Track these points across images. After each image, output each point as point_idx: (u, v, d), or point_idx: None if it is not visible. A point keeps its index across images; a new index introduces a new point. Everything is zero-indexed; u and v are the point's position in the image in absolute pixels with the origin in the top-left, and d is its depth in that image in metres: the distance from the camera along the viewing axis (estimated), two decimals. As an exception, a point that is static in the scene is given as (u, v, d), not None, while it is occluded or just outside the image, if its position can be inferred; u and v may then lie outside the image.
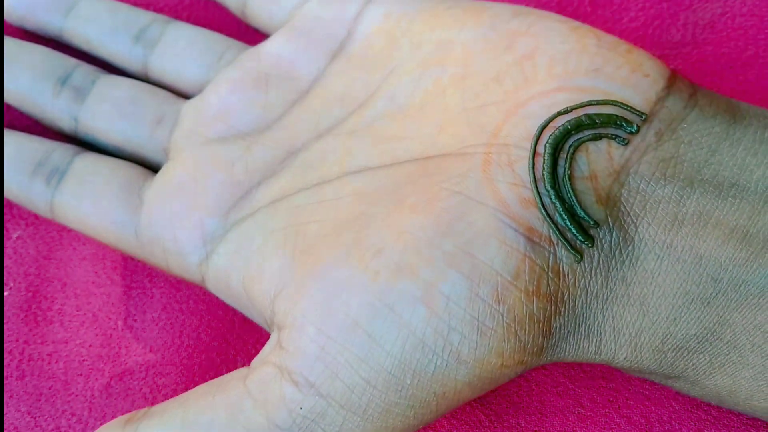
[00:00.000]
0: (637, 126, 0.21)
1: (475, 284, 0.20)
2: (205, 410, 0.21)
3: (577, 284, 0.21)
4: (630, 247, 0.21)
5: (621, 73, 0.22)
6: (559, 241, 0.21)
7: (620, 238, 0.21)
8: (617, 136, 0.21)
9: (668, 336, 0.21)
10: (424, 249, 0.21)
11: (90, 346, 0.27)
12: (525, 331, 0.20)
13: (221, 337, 0.27)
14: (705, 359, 0.21)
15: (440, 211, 0.21)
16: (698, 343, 0.21)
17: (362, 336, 0.20)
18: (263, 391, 0.21)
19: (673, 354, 0.21)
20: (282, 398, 0.21)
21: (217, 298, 0.28)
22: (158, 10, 0.32)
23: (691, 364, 0.21)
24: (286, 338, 0.21)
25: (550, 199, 0.21)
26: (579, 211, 0.21)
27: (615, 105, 0.22)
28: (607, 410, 0.26)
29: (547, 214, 0.21)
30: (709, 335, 0.21)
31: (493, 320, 0.20)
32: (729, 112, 0.22)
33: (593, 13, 0.31)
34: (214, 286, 0.25)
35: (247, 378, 0.22)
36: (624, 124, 0.21)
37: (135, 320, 0.28)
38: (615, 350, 0.22)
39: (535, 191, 0.21)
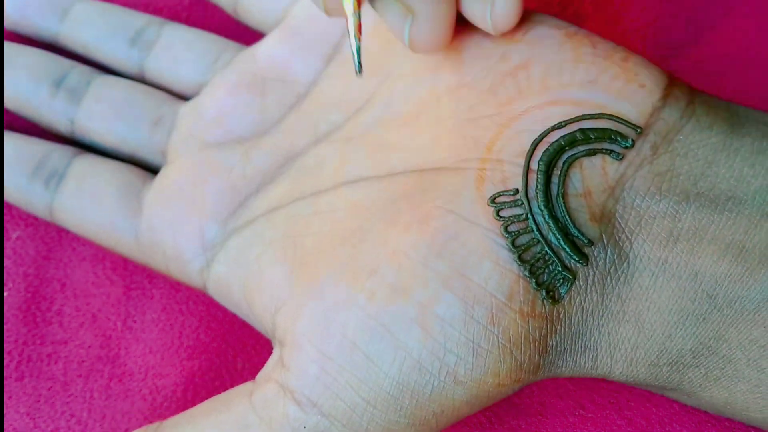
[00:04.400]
0: (632, 140, 0.21)
1: (470, 306, 0.20)
2: (213, 427, 0.22)
3: (572, 302, 0.21)
4: (625, 264, 0.21)
5: (616, 85, 0.22)
6: (553, 261, 0.20)
7: (615, 255, 0.21)
8: (612, 151, 0.21)
9: (663, 351, 0.21)
10: (419, 270, 0.21)
11: (89, 347, 0.27)
12: (521, 351, 0.20)
13: (221, 339, 0.27)
14: (700, 373, 0.21)
15: (434, 231, 0.21)
16: (693, 357, 0.21)
17: (360, 357, 0.21)
18: (267, 409, 0.21)
19: (669, 368, 0.21)
20: (286, 417, 0.21)
21: (216, 299, 0.28)
22: (155, 11, 0.31)
23: (686, 377, 0.21)
24: (287, 356, 0.22)
25: (543, 218, 0.21)
26: (573, 230, 0.21)
27: (610, 118, 0.21)
28: (607, 412, 0.25)
29: (540, 234, 0.21)
30: (704, 350, 0.21)
31: (489, 341, 0.20)
32: (727, 120, 0.22)
33: (594, 14, 0.30)
34: (215, 294, 0.25)
35: (252, 394, 0.22)
36: (619, 138, 0.21)
37: (134, 321, 0.28)
38: (611, 365, 0.21)
39: (528, 210, 0.21)
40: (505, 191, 0.21)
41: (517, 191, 0.21)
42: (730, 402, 0.21)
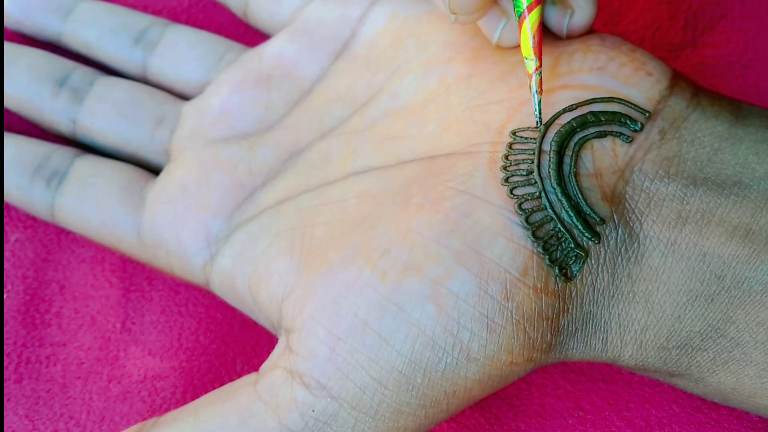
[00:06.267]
0: (642, 124, 0.22)
1: (484, 281, 0.20)
2: (216, 416, 0.22)
3: (584, 281, 0.21)
4: (635, 245, 0.21)
5: (624, 72, 0.22)
6: (566, 238, 0.21)
7: (626, 235, 0.21)
8: (622, 133, 0.22)
9: (672, 333, 0.21)
10: (432, 247, 0.21)
11: (88, 349, 0.27)
12: (534, 327, 0.21)
13: (220, 340, 0.27)
14: (708, 356, 0.21)
15: (447, 210, 0.21)
16: (702, 340, 0.21)
17: (372, 336, 0.20)
18: (274, 395, 0.21)
19: (678, 351, 0.21)
20: (293, 401, 0.21)
21: (216, 300, 0.28)
22: (157, 12, 0.32)
23: (695, 361, 0.22)
24: (295, 341, 0.22)
25: (557, 196, 0.21)
26: (585, 208, 0.21)
27: (620, 102, 0.22)
28: (607, 413, 0.26)
29: (554, 211, 0.21)
30: (712, 332, 0.21)
31: (503, 317, 0.20)
32: (731, 112, 0.22)
33: (593, 15, 0.30)
34: (218, 289, 0.25)
35: (258, 383, 0.22)
36: (628, 121, 0.22)
37: (133, 323, 0.28)
38: (621, 348, 0.22)
39: (541, 188, 0.21)
40: (518, 171, 0.21)
41: (530, 171, 0.21)
42: (737, 388, 0.22)
